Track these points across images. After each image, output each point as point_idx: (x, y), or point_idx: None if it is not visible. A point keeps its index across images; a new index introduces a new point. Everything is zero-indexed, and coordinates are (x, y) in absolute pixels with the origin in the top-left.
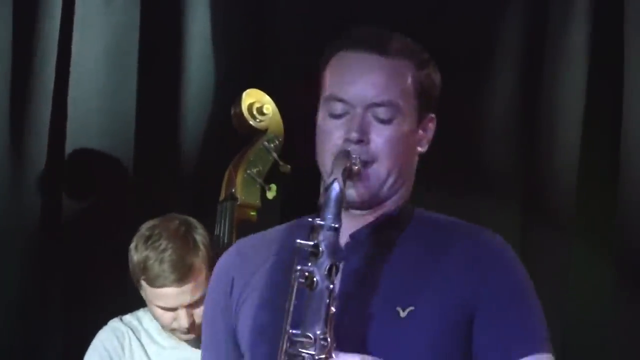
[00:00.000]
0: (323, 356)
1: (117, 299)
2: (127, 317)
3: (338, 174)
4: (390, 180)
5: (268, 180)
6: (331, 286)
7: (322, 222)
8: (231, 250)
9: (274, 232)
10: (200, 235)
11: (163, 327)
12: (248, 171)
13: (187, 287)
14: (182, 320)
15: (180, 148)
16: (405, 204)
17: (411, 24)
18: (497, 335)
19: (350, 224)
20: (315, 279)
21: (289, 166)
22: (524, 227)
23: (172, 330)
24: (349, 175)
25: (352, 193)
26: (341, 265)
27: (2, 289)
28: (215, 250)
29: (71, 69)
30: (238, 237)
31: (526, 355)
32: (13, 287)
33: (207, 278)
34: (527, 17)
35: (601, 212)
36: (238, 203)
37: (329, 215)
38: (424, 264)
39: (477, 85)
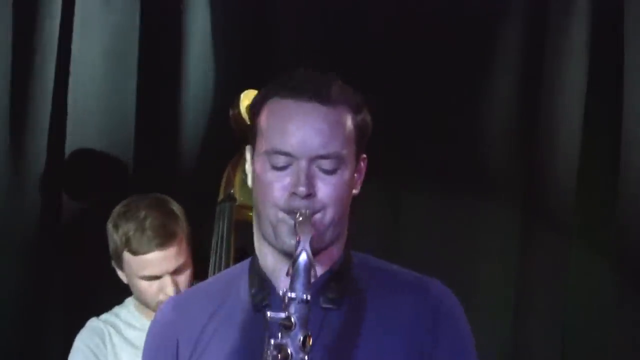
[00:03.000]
0: None
1: (117, 299)
2: (104, 316)
3: (305, 243)
4: (332, 228)
5: None
6: (306, 357)
7: (292, 295)
8: (168, 309)
9: (210, 284)
10: (176, 206)
11: (148, 303)
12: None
13: (171, 252)
14: (168, 287)
15: (180, 148)
16: (343, 253)
17: (411, 24)
18: None
19: None
20: (289, 351)
21: None
22: (524, 227)
23: (157, 305)
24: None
25: (293, 243)
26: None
27: (2, 289)
28: (216, 251)
29: (71, 69)
30: (237, 238)
31: None
32: (13, 287)
33: (187, 250)
34: (527, 17)
35: (601, 212)
36: (237, 204)
37: (299, 286)
38: (376, 315)
39: (477, 86)
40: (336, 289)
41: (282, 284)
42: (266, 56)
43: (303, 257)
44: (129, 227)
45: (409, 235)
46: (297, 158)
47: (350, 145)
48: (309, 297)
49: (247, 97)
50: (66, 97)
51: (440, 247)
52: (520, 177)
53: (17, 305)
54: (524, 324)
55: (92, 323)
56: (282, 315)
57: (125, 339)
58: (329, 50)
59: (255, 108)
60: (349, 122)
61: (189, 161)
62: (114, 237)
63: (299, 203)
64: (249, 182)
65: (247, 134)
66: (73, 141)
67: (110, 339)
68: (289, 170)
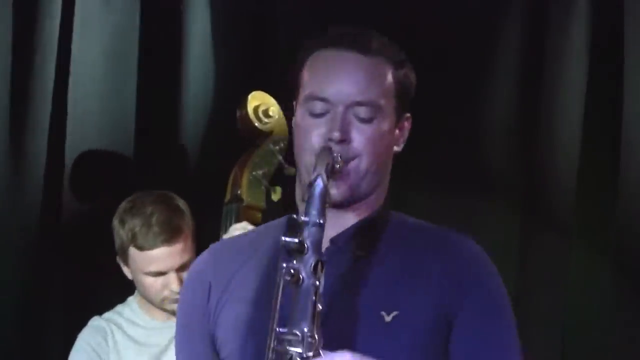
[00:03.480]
0: (311, 354)
1: (117, 299)
2: (107, 314)
3: (321, 170)
4: (369, 177)
5: (272, 182)
6: (317, 283)
7: (306, 219)
8: (205, 255)
9: (249, 235)
10: (181, 202)
11: (152, 300)
12: (254, 173)
13: (177, 248)
14: (174, 284)
15: (180, 148)
16: (382, 206)
17: (411, 23)
18: (473, 349)
19: (330, 226)
20: (301, 276)
21: (294, 169)
22: (524, 227)
23: (162, 302)
24: (331, 172)
25: (332, 191)
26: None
27: (2, 289)
28: None
29: (71, 69)
30: None
31: None
32: (13, 287)
33: (192, 247)
34: (527, 17)
35: (601, 213)
36: (244, 204)
37: (314, 211)
38: (405, 270)
39: (477, 85)
40: (368, 237)
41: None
42: (266, 56)
43: (318, 183)
44: (135, 223)
45: None
46: (334, 104)
47: (388, 97)
48: (322, 221)
49: (254, 98)
50: (66, 97)
51: None
52: (520, 177)
53: (17, 305)
54: (524, 324)
55: (95, 322)
56: (296, 240)
57: (129, 337)
58: None
59: (298, 61)
60: (388, 73)
61: (189, 161)
62: (120, 232)
63: (333, 147)
64: (294, 136)
65: (253, 136)
66: (73, 141)
67: (113, 337)
68: (326, 118)
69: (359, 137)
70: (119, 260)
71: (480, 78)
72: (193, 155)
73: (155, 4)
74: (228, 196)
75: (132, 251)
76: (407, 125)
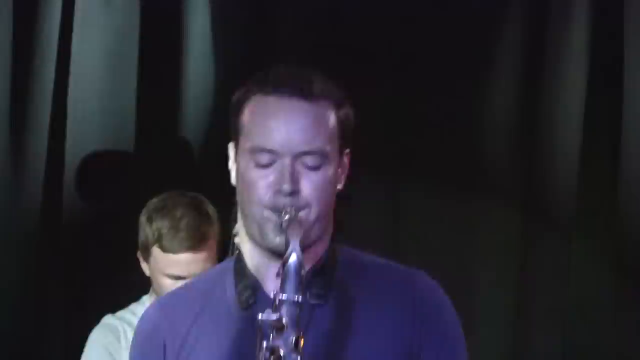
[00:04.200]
0: None
1: (117, 298)
2: (120, 313)
3: (295, 245)
4: (318, 225)
5: None
6: (298, 358)
7: (283, 297)
8: (154, 311)
9: (195, 285)
10: (211, 209)
11: None
12: None
13: (201, 256)
14: None
15: (180, 148)
16: (330, 248)
17: (411, 24)
18: None
19: (277, 279)
20: (282, 353)
21: None
22: (524, 227)
23: None
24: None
25: (279, 240)
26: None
27: (2, 289)
28: (232, 252)
29: (71, 69)
30: None
31: None
32: (13, 287)
33: (215, 255)
34: (527, 17)
35: (601, 213)
36: None
37: (290, 288)
38: (360, 311)
39: (477, 85)
40: (322, 284)
41: (268, 282)
42: (266, 55)
43: (293, 259)
44: (163, 224)
45: (409, 235)
46: (280, 155)
47: (333, 140)
48: (300, 299)
49: None
50: (66, 97)
51: (440, 247)
52: (520, 177)
53: (17, 305)
54: (524, 324)
55: (107, 320)
56: (274, 317)
57: None
58: (329, 49)
59: (237, 105)
60: (332, 117)
61: (189, 161)
62: (146, 230)
63: (283, 200)
64: (232, 179)
65: None
66: (73, 141)
67: (125, 336)
68: (273, 168)
69: (308, 186)
70: (139, 255)
71: (481, 78)
72: (193, 155)
73: (155, 4)
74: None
75: (156, 251)
76: (347, 161)
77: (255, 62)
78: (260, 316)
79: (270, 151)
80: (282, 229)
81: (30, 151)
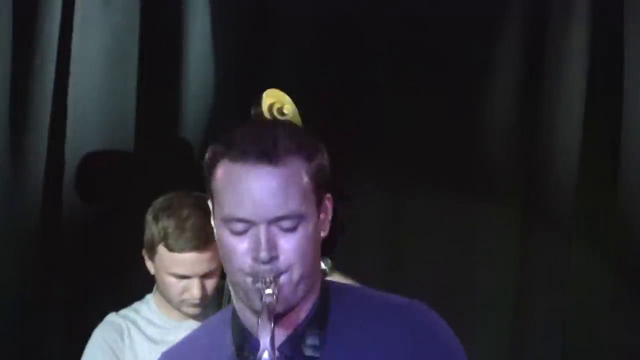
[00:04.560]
0: None
1: (117, 298)
2: (123, 311)
3: (265, 343)
4: (302, 284)
5: None
6: None
7: None
8: None
9: (198, 339)
10: None
11: (171, 299)
12: None
13: (206, 256)
14: (195, 290)
15: (180, 147)
16: (319, 297)
17: (411, 24)
18: None
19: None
20: None
21: None
22: (524, 227)
23: (180, 304)
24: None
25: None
26: None
27: (2, 289)
28: None
29: (71, 69)
30: None
31: None
32: (13, 287)
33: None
34: (527, 17)
35: (601, 213)
36: None
37: None
38: (358, 357)
39: (477, 85)
40: (316, 335)
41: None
42: (266, 56)
43: (265, 357)
44: (169, 223)
45: (409, 235)
46: (254, 223)
47: (307, 198)
48: None
49: (268, 96)
50: (66, 97)
51: (440, 247)
52: (520, 177)
53: (17, 305)
54: (524, 324)
55: (111, 318)
56: None
57: (145, 335)
58: (328, 50)
59: (207, 169)
60: (302, 174)
61: (189, 161)
62: (153, 228)
63: (263, 268)
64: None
65: None
66: (73, 141)
67: (129, 334)
68: (248, 234)
69: (286, 248)
70: (144, 253)
71: (481, 78)
72: (193, 155)
73: (155, 4)
74: None
75: (161, 250)
76: (328, 204)
77: (255, 62)
78: None
79: (243, 220)
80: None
81: (30, 151)
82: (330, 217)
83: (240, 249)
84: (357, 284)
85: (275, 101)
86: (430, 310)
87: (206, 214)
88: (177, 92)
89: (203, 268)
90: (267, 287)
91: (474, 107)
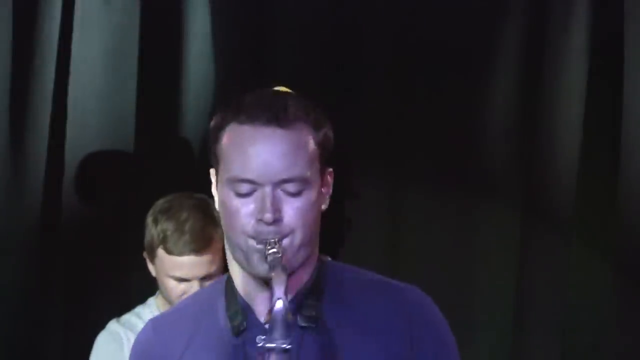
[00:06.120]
0: None
1: (117, 299)
2: (125, 317)
3: (280, 292)
4: (303, 249)
5: None
6: None
7: (272, 345)
8: (148, 332)
9: (189, 307)
10: (217, 212)
11: (172, 301)
12: None
13: (205, 259)
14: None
15: (180, 147)
16: (317, 267)
17: (411, 24)
18: None
19: (269, 301)
20: None
21: None
22: (524, 227)
23: None
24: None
25: (266, 269)
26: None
27: (2, 289)
28: None
29: (71, 69)
30: None
31: None
32: (13, 286)
33: (221, 258)
34: (527, 17)
35: (601, 212)
36: None
37: (278, 336)
38: (353, 330)
39: (477, 85)
40: (312, 306)
41: (259, 306)
42: (266, 56)
43: (279, 306)
44: (168, 226)
45: (409, 235)
46: (260, 184)
47: (313, 164)
48: (288, 347)
49: None
50: (66, 97)
51: (440, 247)
52: (520, 177)
53: (17, 305)
54: (524, 324)
55: (112, 326)
56: None
57: None
58: (328, 50)
59: (214, 133)
60: (310, 141)
61: (189, 161)
62: (152, 231)
63: (266, 229)
64: (216, 205)
65: None
66: (73, 141)
67: (129, 343)
68: (253, 197)
69: (290, 213)
70: (145, 256)
71: (480, 78)
72: (193, 155)
73: (155, 4)
74: None
75: (160, 252)
76: (330, 179)
77: (255, 62)
78: None
79: (249, 181)
80: (267, 259)
81: (30, 151)
82: (330, 192)
83: (244, 210)
84: None
85: None
86: (426, 297)
87: (206, 215)
88: (177, 92)
89: (202, 271)
90: (272, 248)
91: (474, 107)
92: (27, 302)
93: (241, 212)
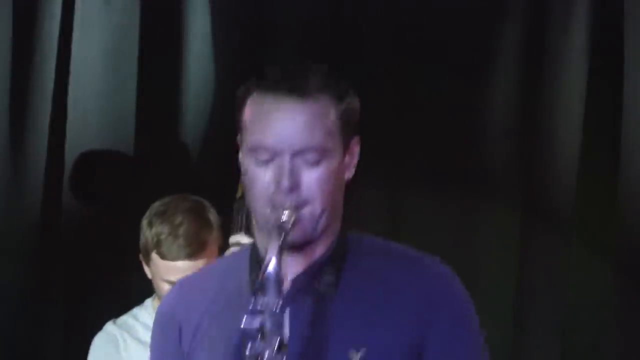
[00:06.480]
0: None
1: (117, 299)
2: (122, 318)
3: (273, 252)
4: (323, 219)
5: None
6: (284, 358)
7: (262, 308)
8: (173, 293)
9: (214, 270)
10: (212, 215)
11: None
12: None
13: (199, 263)
14: None
15: (180, 147)
16: (340, 236)
17: (411, 23)
18: None
19: (290, 267)
20: (265, 358)
21: None
22: (524, 227)
23: None
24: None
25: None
26: (287, 311)
27: (2, 289)
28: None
29: (71, 69)
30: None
31: None
32: (13, 287)
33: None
34: (527, 17)
35: (601, 212)
36: None
37: (270, 299)
38: (372, 302)
39: (477, 85)
40: (332, 272)
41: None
42: (266, 56)
43: (272, 266)
44: (162, 230)
45: (409, 235)
46: (279, 152)
47: (334, 135)
48: (279, 305)
49: None
50: (66, 97)
51: (439, 247)
52: (520, 177)
53: (17, 305)
54: (524, 324)
55: (108, 328)
56: (256, 324)
57: (142, 342)
58: (328, 50)
59: (239, 102)
60: (331, 112)
61: (189, 161)
62: (146, 234)
63: (283, 197)
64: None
65: None
66: (73, 141)
67: (125, 345)
68: (272, 164)
69: (309, 182)
70: (141, 258)
71: (480, 78)
72: (193, 155)
73: (155, 4)
74: (239, 193)
75: (154, 256)
76: (356, 148)
77: (255, 62)
78: (243, 323)
79: (267, 148)
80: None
81: (30, 151)
82: (356, 161)
83: (263, 177)
84: None
85: None
86: (447, 268)
87: (201, 219)
88: (177, 92)
89: None
90: (284, 217)
91: (474, 107)
92: (27, 302)
93: (260, 179)
